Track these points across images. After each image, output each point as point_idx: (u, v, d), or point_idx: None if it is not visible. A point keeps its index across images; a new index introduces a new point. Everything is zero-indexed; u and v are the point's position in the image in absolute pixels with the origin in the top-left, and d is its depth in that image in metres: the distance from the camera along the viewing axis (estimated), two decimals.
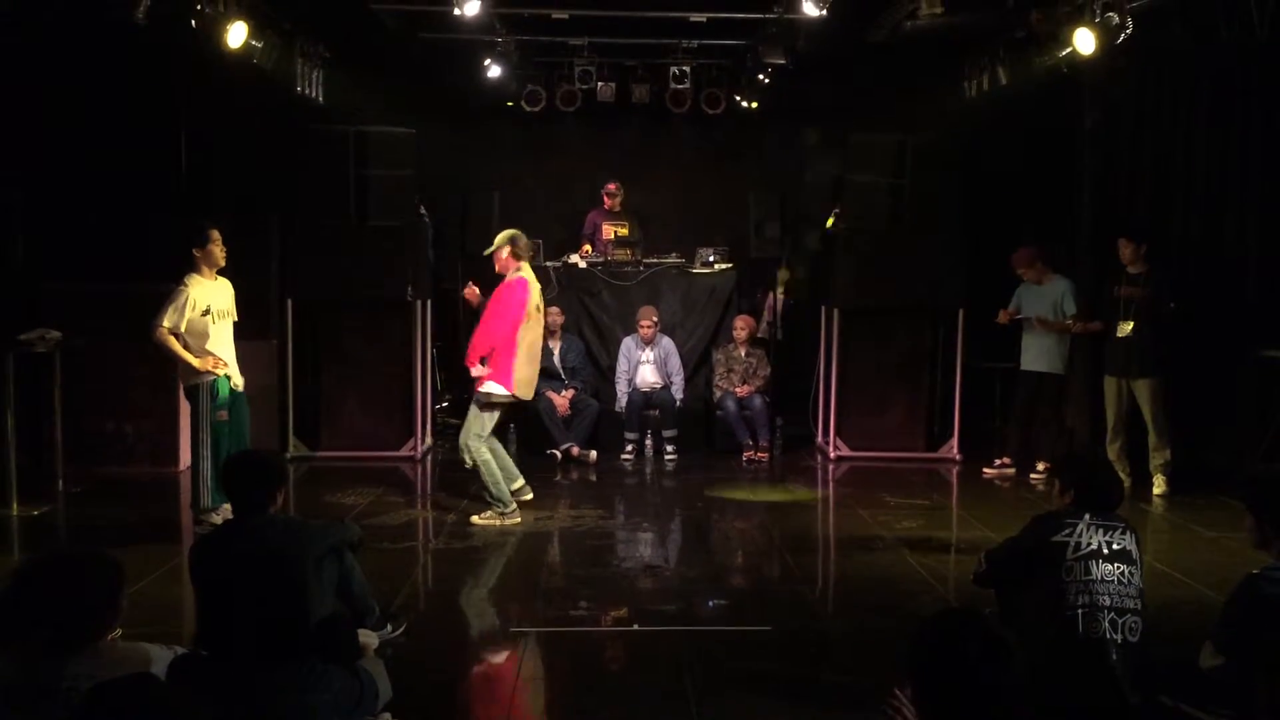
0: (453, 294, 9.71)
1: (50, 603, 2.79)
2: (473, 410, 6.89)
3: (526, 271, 6.91)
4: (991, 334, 8.71)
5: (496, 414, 6.90)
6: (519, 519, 6.91)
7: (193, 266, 6.46)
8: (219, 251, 6.52)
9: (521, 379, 6.81)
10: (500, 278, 6.91)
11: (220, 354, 6.48)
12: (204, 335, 6.41)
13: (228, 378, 6.53)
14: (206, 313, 6.42)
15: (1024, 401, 8.50)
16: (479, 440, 6.84)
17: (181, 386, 6.74)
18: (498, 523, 6.85)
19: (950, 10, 8.63)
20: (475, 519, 6.90)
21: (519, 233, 6.99)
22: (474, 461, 6.85)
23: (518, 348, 6.75)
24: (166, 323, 6.32)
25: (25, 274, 8.10)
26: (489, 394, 6.79)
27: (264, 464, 4.33)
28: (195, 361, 6.37)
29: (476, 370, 6.79)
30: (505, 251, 6.87)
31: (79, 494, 7.46)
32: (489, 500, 6.91)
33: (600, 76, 10.67)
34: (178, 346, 6.36)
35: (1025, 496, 7.82)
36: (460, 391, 9.82)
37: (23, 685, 2.68)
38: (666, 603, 5.46)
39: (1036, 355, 8.37)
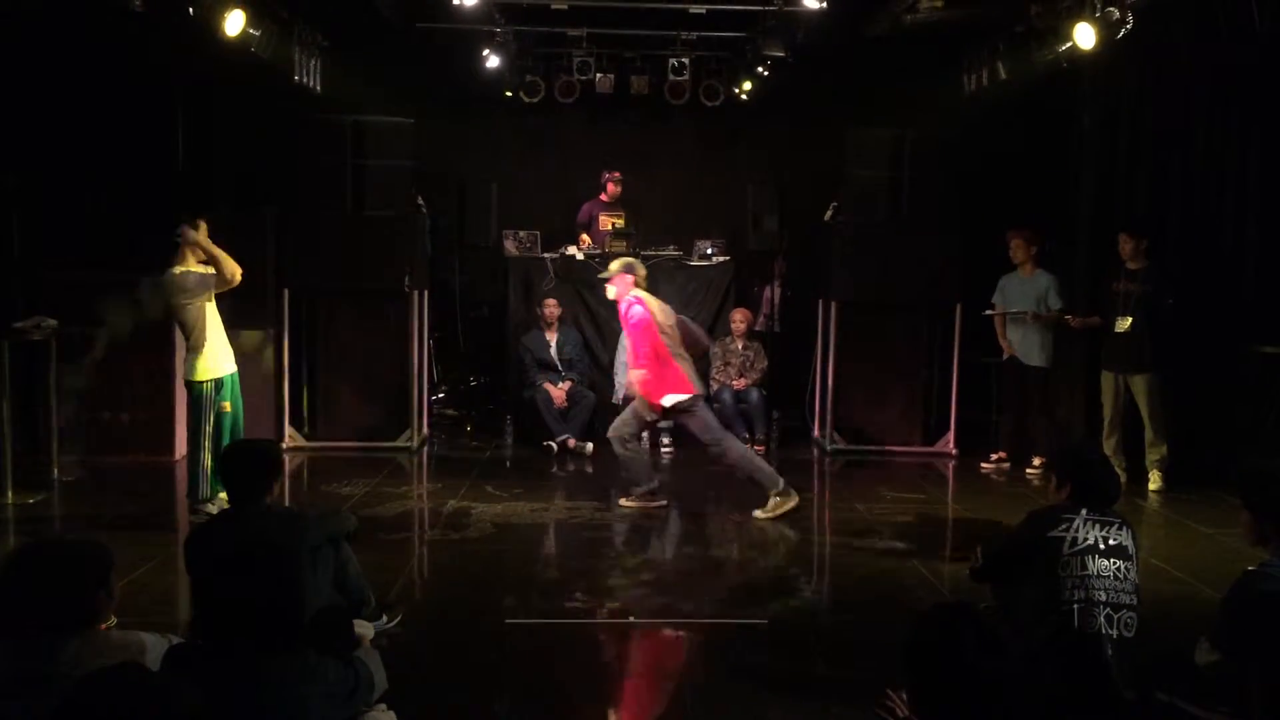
0: (450, 285, 9.70)
1: (36, 589, 2.78)
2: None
3: (640, 292, 7.08)
4: (988, 329, 8.70)
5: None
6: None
7: (179, 256, 6.43)
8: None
9: (689, 378, 7.02)
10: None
11: (216, 335, 6.51)
12: (202, 319, 6.45)
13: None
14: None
15: (1011, 394, 8.53)
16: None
17: (181, 377, 6.73)
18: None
19: (950, 4, 8.62)
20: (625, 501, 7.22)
21: (636, 261, 7.34)
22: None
23: (673, 356, 6.96)
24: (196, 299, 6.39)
25: (23, 262, 8.08)
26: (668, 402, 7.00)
27: (261, 454, 4.35)
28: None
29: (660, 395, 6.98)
30: (627, 279, 7.06)
31: (74, 482, 7.45)
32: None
33: (599, 68, 10.63)
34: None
35: (1021, 491, 7.82)
36: (456, 383, 9.80)
37: (14, 673, 2.67)
38: (662, 595, 5.45)
39: (1020, 349, 8.36)
